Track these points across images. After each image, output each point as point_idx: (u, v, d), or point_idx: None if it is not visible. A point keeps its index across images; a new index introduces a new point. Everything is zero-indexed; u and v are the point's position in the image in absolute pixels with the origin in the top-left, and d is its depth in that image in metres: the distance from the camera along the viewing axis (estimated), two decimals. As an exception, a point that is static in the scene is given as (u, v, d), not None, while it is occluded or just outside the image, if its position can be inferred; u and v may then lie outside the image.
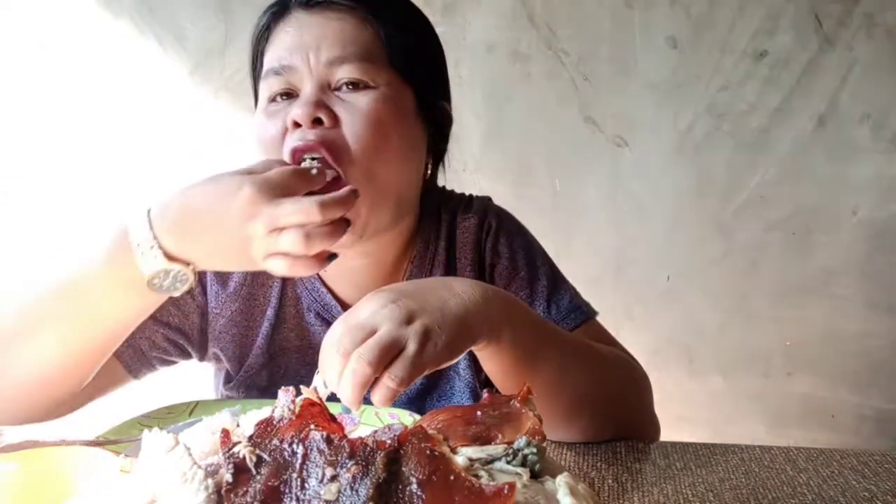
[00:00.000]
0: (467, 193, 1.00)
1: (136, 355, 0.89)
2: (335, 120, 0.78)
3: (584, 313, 0.90)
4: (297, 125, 0.78)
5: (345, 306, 0.92)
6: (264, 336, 0.92)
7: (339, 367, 0.56)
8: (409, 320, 0.59)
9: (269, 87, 0.82)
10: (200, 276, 0.93)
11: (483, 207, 0.96)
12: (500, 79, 1.85)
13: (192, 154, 1.94)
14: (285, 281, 0.92)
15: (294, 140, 0.77)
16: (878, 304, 1.79)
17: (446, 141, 0.92)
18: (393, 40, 0.82)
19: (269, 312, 0.92)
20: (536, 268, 0.93)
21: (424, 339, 0.58)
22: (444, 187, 1.00)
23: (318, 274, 0.91)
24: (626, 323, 1.86)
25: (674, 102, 1.80)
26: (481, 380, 0.92)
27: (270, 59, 0.82)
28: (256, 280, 0.93)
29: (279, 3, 0.85)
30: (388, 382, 0.55)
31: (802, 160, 1.77)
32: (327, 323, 0.92)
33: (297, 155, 0.77)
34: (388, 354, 0.56)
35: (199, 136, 1.92)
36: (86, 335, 0.75)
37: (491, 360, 0.70)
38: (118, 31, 1.93)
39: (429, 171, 0.92)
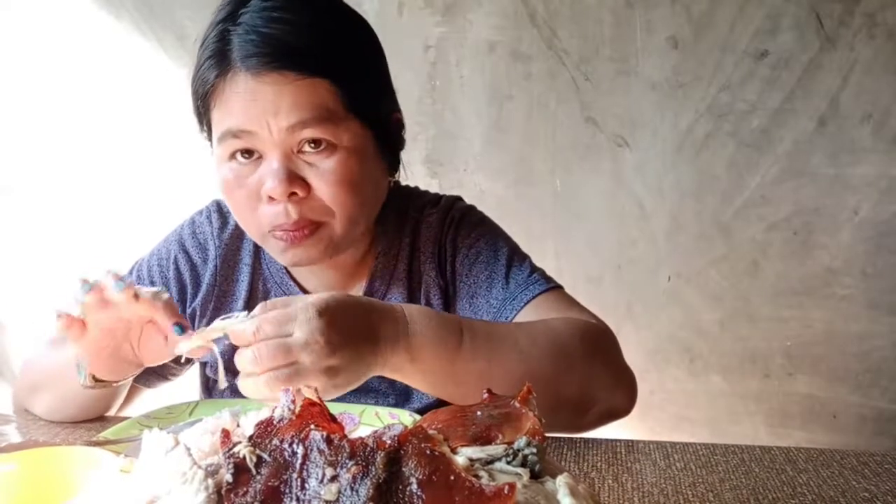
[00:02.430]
0: (439, 193, 1.02)
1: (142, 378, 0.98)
2: (308, 188, 0.80)
3: (542, 284, 0.90)
4: (271, 198, 0.80)
5: None
6: None
7: (247, 345, 0.64)
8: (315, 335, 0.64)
9: (228, 146, 0.81)
10: (181, 292, 0.99)
11: (448, 204, 0.98)
12: (500, 78, 1.85)
13: (192, 153, 1.94)
14: (253, 277, 0.97)
15: (275, 216, 0.82)
16: (880, 304, 1.79)
17: (401, 144, 0.93)
18: (348, 89, 0.81)
19: (239, 305, 0.96)
20: (497, 249, 0.94)
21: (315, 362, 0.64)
22: (416, 187, 1.03)
23: (286, 269, 0.96)
24: (626, 322, 1.86)
25: (675, 102, 1.79)
26: None
27: (225, 120, 0.80)
28: (225, 279, 0.98)
29: (221, 63, 0.80)
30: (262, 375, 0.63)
31: (803, 160, 1.77)
32: None
33: (286, 234, 0.82)
34: (281, 360, 0.63)
35: (200, 135, 1.92)
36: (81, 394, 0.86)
37: (415, 365, 0.72)
38: (118, 31, 1.93)
39: (390, 180, 0.93)
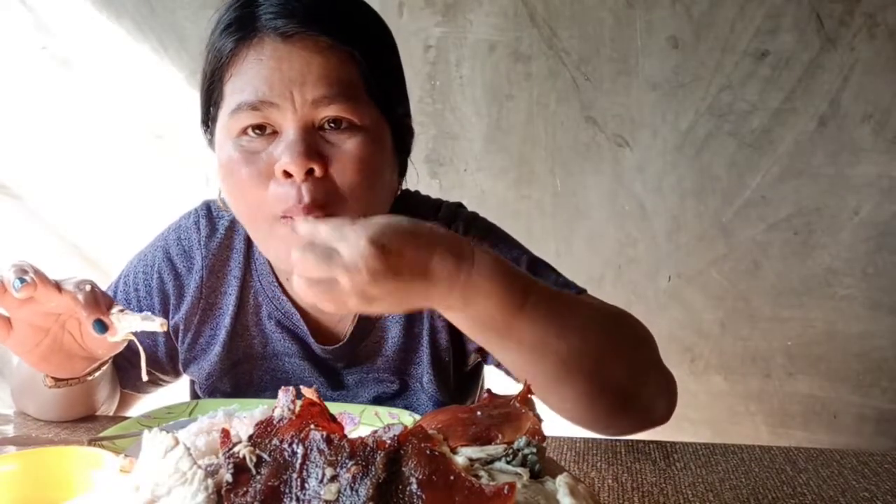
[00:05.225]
0: (440, 199, 0.97)
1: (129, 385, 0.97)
2: (325, 166, 0.76)
3: (572, 290, 0.86)
4: (287, 174, 0.75)
5: (304, 314, 0.91)
6: (222, 344, 0.92)
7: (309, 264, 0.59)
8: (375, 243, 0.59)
9: (240, 120, 0.76)
10: (163, 303, 0.94)
11: (451, 214, 0.93)
12: (501, 78, 1.85)
13: (193, 153, 1.94)
14: (242, 289, 0.92)
15: (285, 197, 0.75)
16: (880, 304, 1.79)
17: (409, 152, 0.89)
18: (373, 73, 0.78)
19: (227, 320, 0.92)
20: (515, 259, 0.89)
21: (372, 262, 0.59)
22: (416, 192, 0.97)
23: (279, 282, 0.91)
24: (627, 323, 1.86)
25: (675, 102, 1.79)
26: (448, 395, 0.91)
27: (243, 90, 0.76)
28: (212, 291, 0.93)
29: (245, 27, 0.77)
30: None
31: (804, 160, 1.77)
32: (288, 331, 0.91)
33: (302, 213, 0.75)
34: (321, 273, 0.58)
35: (201, 136, 1.92)
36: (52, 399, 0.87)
37: (467, 311, 0.66)
38: (119, 32, 1.93)
39: (398, 186, 0.90)
